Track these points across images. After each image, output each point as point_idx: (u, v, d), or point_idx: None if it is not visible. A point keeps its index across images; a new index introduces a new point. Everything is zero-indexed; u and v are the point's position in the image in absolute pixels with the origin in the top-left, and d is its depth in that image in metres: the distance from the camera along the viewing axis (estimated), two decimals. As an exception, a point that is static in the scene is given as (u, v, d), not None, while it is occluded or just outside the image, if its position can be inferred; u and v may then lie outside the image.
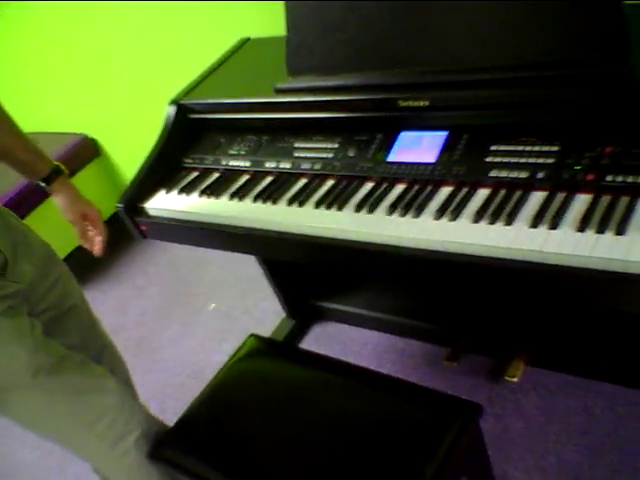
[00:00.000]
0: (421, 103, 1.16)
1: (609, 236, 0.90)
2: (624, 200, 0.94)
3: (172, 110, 1.50)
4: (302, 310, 2.04)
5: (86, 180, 2.56)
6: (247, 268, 2.11)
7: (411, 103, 1.17)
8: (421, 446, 1.01)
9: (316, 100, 1.29)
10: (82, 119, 2.60)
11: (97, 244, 1.35)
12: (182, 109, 1.49)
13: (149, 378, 2.03)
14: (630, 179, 0.94)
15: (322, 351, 1.92)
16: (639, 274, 0.84)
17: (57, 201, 1.33)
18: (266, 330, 2.04)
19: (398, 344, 1.87)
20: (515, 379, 1.58)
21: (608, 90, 0.98)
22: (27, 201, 2.35)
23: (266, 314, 2.12)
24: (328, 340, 1.98)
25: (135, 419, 1.18)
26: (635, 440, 1.42)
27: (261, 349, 1.35)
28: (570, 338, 1.54)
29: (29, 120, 2.56)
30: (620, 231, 0.89)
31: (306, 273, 1.96)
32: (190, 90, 1.54)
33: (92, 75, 2.38)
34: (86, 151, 2.62)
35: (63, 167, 1.32)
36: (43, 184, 1.30)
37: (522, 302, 1.55)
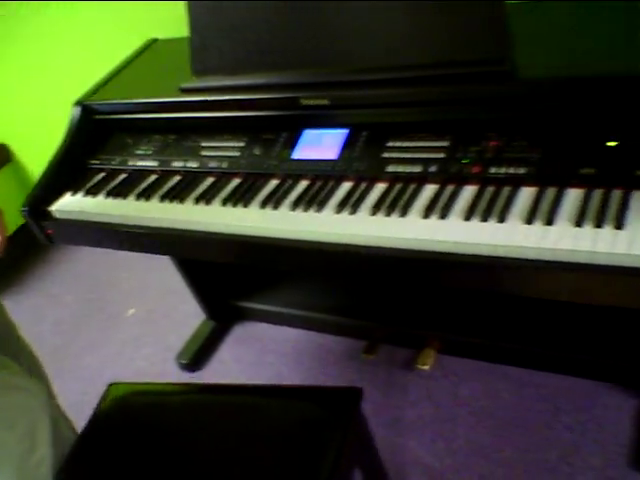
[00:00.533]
0: (322, 102, 1.19)
1: (492, 223, 0.95)
2: (506, 189, 1.00)
3: (76, 111, 1.47)
4: (222, 311, 2.04)
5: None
6: (165, 271, 2.09)
7: (312, 102, 1.20)
8: (312, 442, 1.02)
9: (221, 99, 1.30)
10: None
11: None
12: (87, 110, 1.47)
13: (67, 387, 1.98)
14: (511, 170, 1.00)
15: (242, 351, 1.95)
16: (515, 258, 0.90)
17: None
18: (186, 333, 2.03)
19: (317, 340, 1.91)
20: (426, 367, 1.64)
21: (491, 88, 1.04)
22: None
23: (186, 317, 2.11)
24: (248, 339, 1.99)
25: (56, 427, 1.15)
26: (540, 420, 1.51)
27: (125, 396, 1.26)
28: (476, 326, 1.62)
29: None
30: (502, 219, 0.95)
31: (224, 274, 1.96)
32: (95, 91, 1.51)
33: (-3, 78, 2.30)
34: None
35: None
36: None
37: (430, 292, 1.61)
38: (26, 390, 1.12)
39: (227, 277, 1.97)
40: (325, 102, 1.19)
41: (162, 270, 2.18)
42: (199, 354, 1.96)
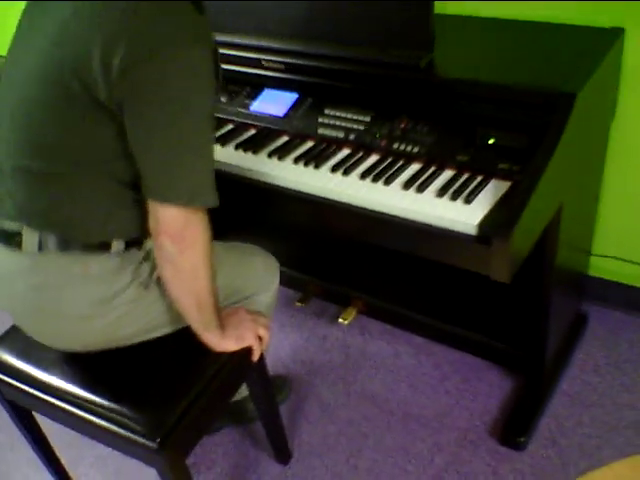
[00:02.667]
0: (278, 66, 1.41)
1: (379, 185, 1.17)
2: (400, 161, 1.22)
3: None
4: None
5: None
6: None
7: (271, 65, 1.42)
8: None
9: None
10: None
11: None
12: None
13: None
14: (409, 148, 1.22)
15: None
16: (386, 213, 1.12)
17: None
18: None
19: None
20: (346, 322, 1.86)
21: (407, 78, 1.25)
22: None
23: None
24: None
25: None
26: (427, 383, 1.73)
27: None
28: (394, 294, 1.83)
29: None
30: (387, 183, 1.17)
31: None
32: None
33: None
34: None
35: None
36: None
37: (360, 257, 1.83)
38: None
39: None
40: (281, 67, 1.40)
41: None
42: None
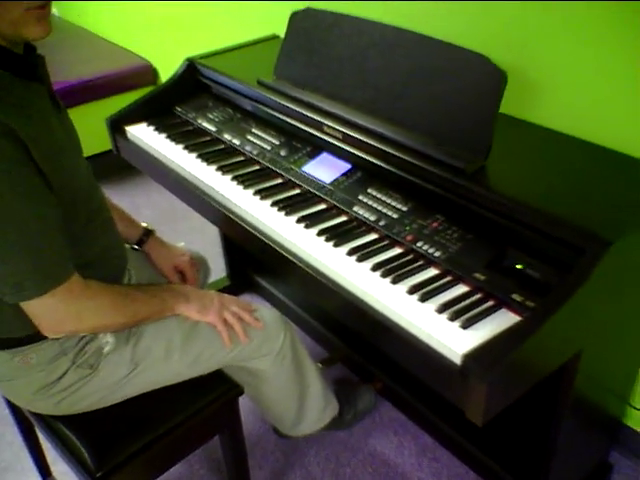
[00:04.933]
0: (337, 134, 1.40)
1: (386, 281, 1.12)
2: (419, 263, 1.16)
3: (184, 65, 1.80)
4: (239, 276, 2.31)
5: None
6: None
7: (331, 131, 1.41)
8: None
9: (278, 102, 1.54)
10: (153, 47, 2.95)
11: None
12: (192, 67, 1.79)
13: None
14: (431, 250, 1.16)
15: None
16: (382, 313, 1.07)
17: (151, 257, 1.48)
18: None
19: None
20: (359, 398, 1.79)
21: (451, 180, 1.19)
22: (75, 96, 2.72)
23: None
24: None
25: None
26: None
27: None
28: (415, 385, 1.74)
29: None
30: (395, 281, 1.12)
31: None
32: (206, 56, 1.83)
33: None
34: (144, 77, 2.97)
35: (151, 228, 1.49)
36: (136, 247, 1.46)
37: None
38: None
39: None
40: (339, 135, 1.39)
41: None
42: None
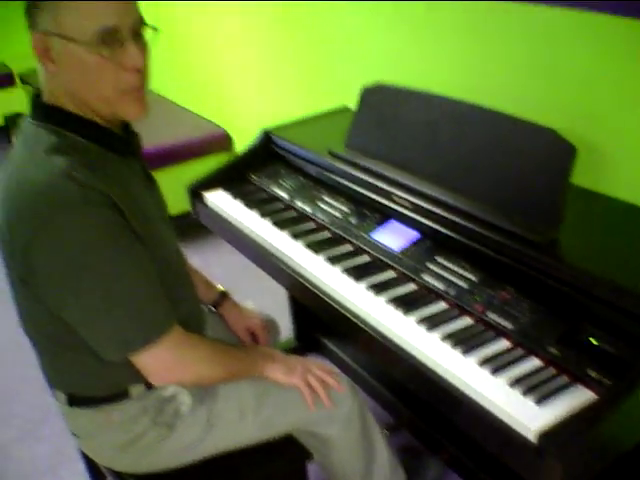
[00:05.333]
0: (407, 203, 1.44)
1: (457, 352, 1.12)
2: (490, 333, 1.16)
3: (261, 135, 1.90)
4: (307, 338, 2.34)
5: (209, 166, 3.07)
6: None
7: (401, 201, 1.45)
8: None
9: (350, 172, 1.60)
10: (227, 116, 3.12)
11: None
12: (268, 138, 1.89)
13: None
14: (501, 321, 1.16)
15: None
16: (452, 384, 1.07)
17: (225, 319, 1.55)
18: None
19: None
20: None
21: (523, 252, 1.20)
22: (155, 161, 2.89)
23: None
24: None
25: None
26: None
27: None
28: (482, 461, 1.69)
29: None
30: (466, 352, 1.12)
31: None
32: (281, 128, 1.92)
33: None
34: (220, 143, 3.14)
35: (226, 290, 1.57)
36: (213, 308, 1.54)
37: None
38: None
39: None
40: (409, 205, 1.43)
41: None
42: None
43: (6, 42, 4.93)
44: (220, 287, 1.57)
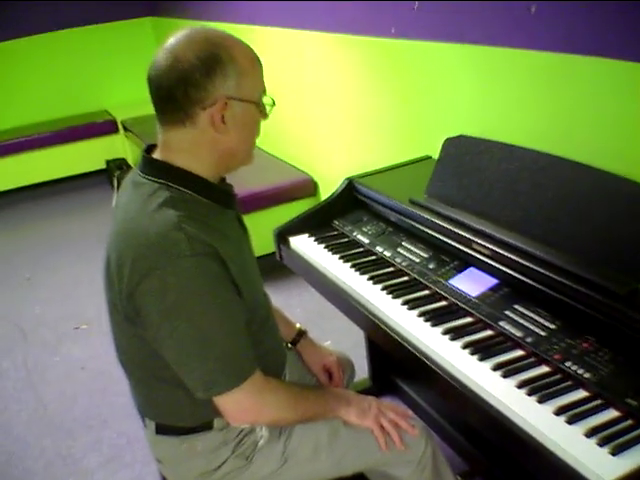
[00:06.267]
0: (487, 251, 1.47)
1: (532, 400, 1.14)
2: (567, 383, 1.16)
3: (344, 183, 1.99)
4: (382, 379, 2.37)
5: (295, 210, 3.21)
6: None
7: (481, 249, 1.48)
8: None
9: (430, 219, 1.65)
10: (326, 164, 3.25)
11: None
12: (351, 185, 1.98)
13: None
14: (580, 371, 1.16)
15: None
16: (528, 433, 1.08)
17: (302, 356, 1.60)
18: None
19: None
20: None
21: (605, 303, 1.20)
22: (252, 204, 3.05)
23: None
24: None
25: None
26: None
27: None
28: None
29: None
30: (542, 401, 1.13)
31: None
32: (364, 176, 2.02)
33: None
34: (306, 189, 3.27)
35: (304, 329, 1.63)
36: (290, 345, 1.59)
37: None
38: None
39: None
40: (489, 253, 1.46)
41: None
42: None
43: (110, 92, 5.39)
44: (298, 325, 1.64)
